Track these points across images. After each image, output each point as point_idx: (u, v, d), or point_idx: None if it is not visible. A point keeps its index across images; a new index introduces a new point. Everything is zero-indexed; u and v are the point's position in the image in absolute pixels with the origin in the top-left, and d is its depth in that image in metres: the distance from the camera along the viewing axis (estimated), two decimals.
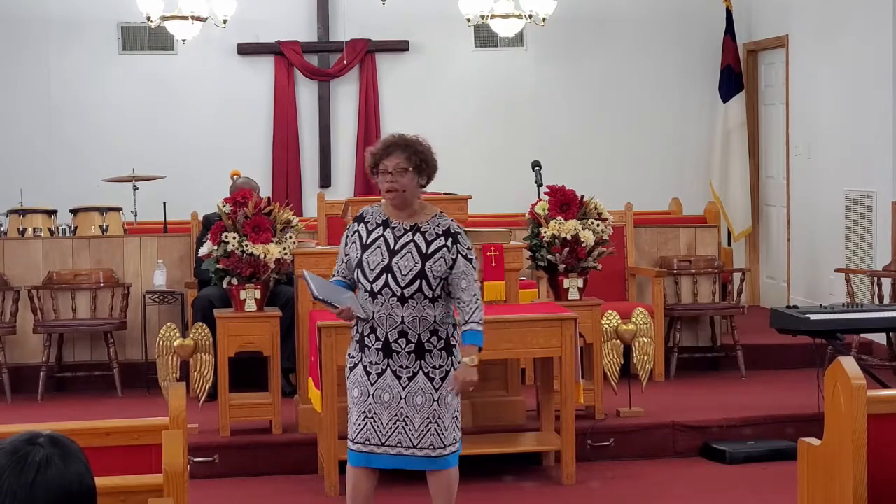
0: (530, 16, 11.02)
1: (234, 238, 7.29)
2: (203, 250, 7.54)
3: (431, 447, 5.20)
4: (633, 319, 7.78)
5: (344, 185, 11.91)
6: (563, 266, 7.64)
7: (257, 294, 7.37)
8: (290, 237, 7.42)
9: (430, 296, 5.13)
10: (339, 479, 6.63)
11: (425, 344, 5.16)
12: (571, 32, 11.92)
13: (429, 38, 11.94)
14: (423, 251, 5.14)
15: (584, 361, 7.58)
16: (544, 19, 10.99)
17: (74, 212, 9.67)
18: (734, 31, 11.62)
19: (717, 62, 11.76)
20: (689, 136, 12.15)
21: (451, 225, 5.23)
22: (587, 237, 7.62)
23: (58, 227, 9.60)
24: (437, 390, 5.18)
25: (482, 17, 11.03)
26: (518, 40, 11.82)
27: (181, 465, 3.70)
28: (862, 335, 9.04)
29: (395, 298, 5.11)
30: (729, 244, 11.49)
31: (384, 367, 5.16)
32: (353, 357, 5.24)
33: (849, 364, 4.28)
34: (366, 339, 5.18)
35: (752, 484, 6.89)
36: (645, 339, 7.75)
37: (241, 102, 11.81)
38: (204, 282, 8.40)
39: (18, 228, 9.45)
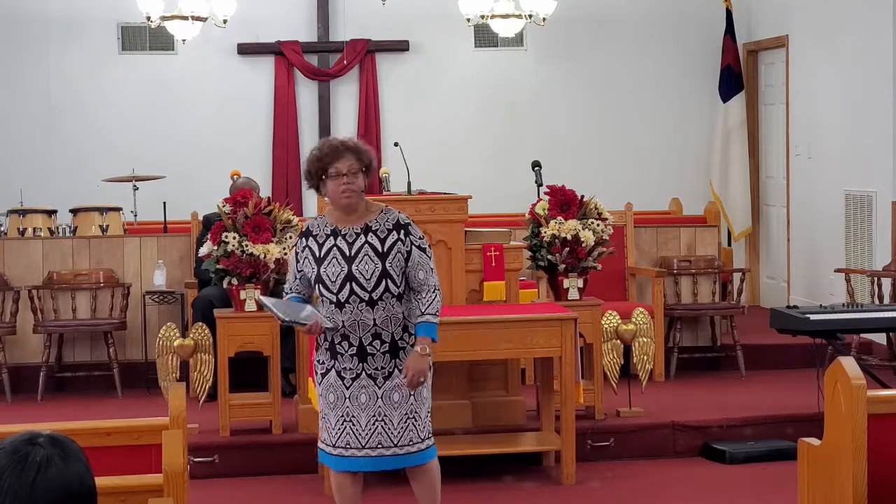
0: (530, 16, 11.02)
1: (234, 238, 7.29)
2: (203, 250, 7.54)
3: (411, 443, 5.21)
4: (633, 319, 7.78)
5: None
6: (563, 266, 7.63)
7: (257, 294, 7.37)
8: (290, 237, 7.42)
9: (397, 293, 5.15)
10: None
11: (398, 342, 5.18)
12: (571, 32, 11.92)
13: (429, 38, 11.94)
14: (380, 250, 5.14)
15: (584, 361, 7.58)
16: (544, 19, 10.99)
17: (74, 212, 9.67)
18: (734, 30, 11.62)
19: (717, 62, 11.76)
20: (689, 136, 12.15)
21: (400, 217, 5.23)
22: (587, 237, 7.61)
23: (58, 227, 9.60)
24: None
25: (482, 17, 11.03)
26: (518, 40, 11.82)
27: (181, 465, 3.70)
28: (862, 335, 9.03)
29: (364, 303, 5.11)
30: (729, 244, 11.49)
31: (359, 371, 5.16)
32: (323, 363, 5.22)
33: (849, 364, 4.28)
34: (338, 346, 5.17)
35: (752, 484, 6.89)
36: (645, 339, 7.75)
37: (241, 102, 11.81)
38: (204, 282, 8.40)
39: (18, 228, 9.45)
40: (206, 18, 10.72)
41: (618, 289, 9.35)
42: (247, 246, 7.29)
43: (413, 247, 5.17)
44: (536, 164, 9.19)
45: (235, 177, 9.10)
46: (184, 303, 9.00)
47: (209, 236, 7.45)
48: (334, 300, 5.12)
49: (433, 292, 5.18)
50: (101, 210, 9.62)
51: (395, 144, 8.13)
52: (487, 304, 7.33)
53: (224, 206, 7.44)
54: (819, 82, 10.55)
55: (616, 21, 12.05)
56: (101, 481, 2.76)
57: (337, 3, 11.90)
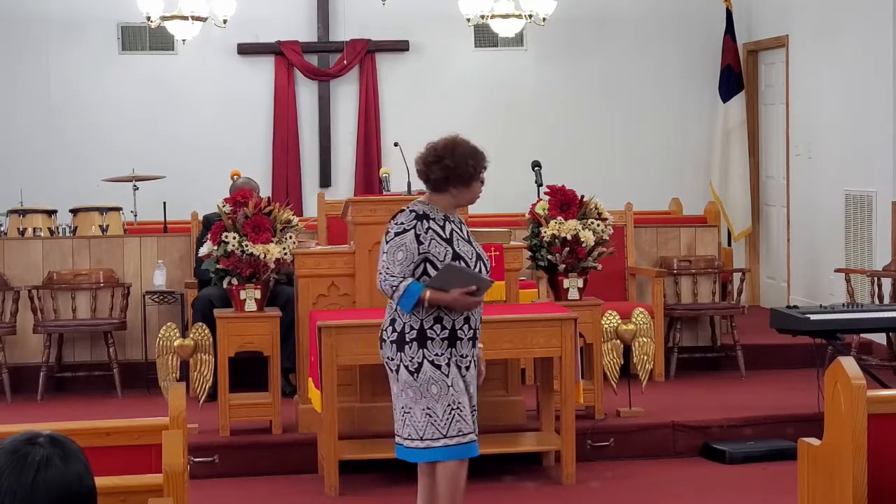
0: (530, 16, 11.02)
1: (234, 238, 7.29)
2: (203, 250, 7.54)
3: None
4: (633, 319, 7.78)
5: (344, 184, 11.91)
6: (563, 266, 7.63)
7: (257, 294, 7.37)
8: (290, 237, 7.42)
9: None
10: (340, 480, 6.63)
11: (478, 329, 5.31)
12: (571, 32, 11.92)
13: (429, 38, 11.94)
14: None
15: (584, 361, 7.58)
16: (544, 19, 10.99)
17: (74, 212, 9.67)
18: (734, 30, 11.62)
19: (717, 62, 11.76)
20: (689, 136, 12.15)
21: None
22: (587, 237, 7.61)
23: (58, 227, 9.60)
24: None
25: (482, 17, 11.03)
26: (518, 40, 11.82)
27: (181, 465, 3.70)
28: (862, 335, 9.03)
29: None
30: (729, 244, 11.49)
31: (471, 359, 5.24)
32: (443, 355, 5.17)
33: (849, 364, 4.28)
34: (458, 331, 5.19)
35: (752, 484, 6.89)
36: (645, 339, 7.75)
37: (241, 102, 11.81)
38: (204, 282, 8.40)
39: (18, 228, 9.45)
40: (206, 18, 10.73)
41: (618, 289, 9.35)
42: (247, 246, 7.29)
43: None
44: (536, 164, 9.19)
45: (235, 177, 9.10)
46: (184, 303, 9.00)
47: (209, 236, 7.45)
48: None
49: None
50: (101, 210, 9.62)
51: (395, 144, 8.13)
52: (487, 304, 7.31)
53: (224, 206, 7.44)
54: (819, 82, 10.55)
55: (616, 21, 12.05)
56: (100, 481, 2.76)
57: (337, 3, 11.90)
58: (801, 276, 10.86)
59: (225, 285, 7.40)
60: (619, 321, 7.76)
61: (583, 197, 7.77)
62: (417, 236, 5.18)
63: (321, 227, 9.13)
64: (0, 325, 8.79)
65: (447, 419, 5.17)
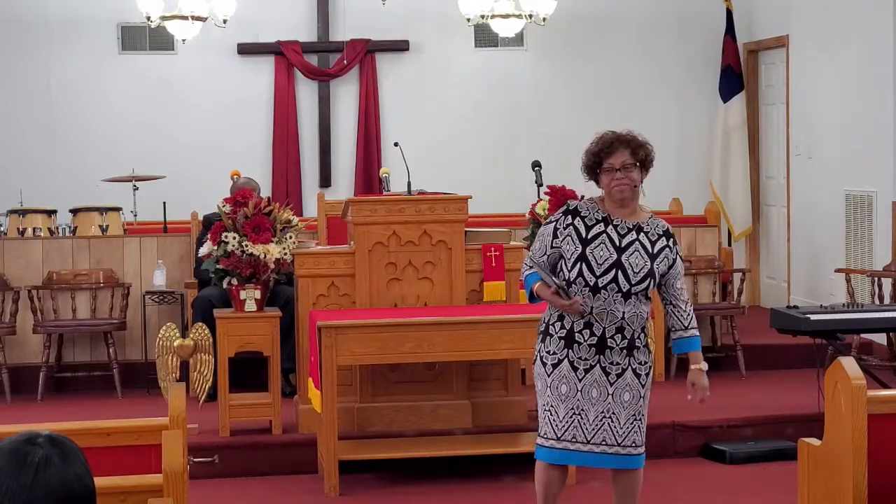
0: (530, 16, 11.02)
1: (234, 238, 7.29)
2: (203, 250, 7.53)
3: (633, 445, 5.23)
4: None
5: (344, 184, 11.91)
6: None
7: (257, 294, 7.37)
8: (290, 237, 7.42)
9: (648, 294, 5.17)
10: (340, 480, 6.63)
11: (636, 340, 5.16)
12: (571, 32, 11.92)
13: (429, 38, 11.94)
14: (650, 251, 5.17)
15: None
16: (544, 19, 10.99)
17: (74, 212, 9.66)
18: (734, 30, 11.62)
19: (717, 62, 11.76)
20: (690, 136, 12.14)
21: (668, 226, 5.32)
22: None
23: (57, 227, 9.59)
24: (643, 387, 5.21)
25: (482, 17, 11.03)
26: (518, 40, 11.81)
27: (181, 466, 3.70)
28: (862, 335, 9.03)
29: (620, 294, 5.08)
30: (729, 244, 11.49)
31: (594, 363, 5.12)
32: (554, 353, 5.13)
33: (849, 364, 4.29)
34: (577, 335, 5.10)
35: (752, 484, 6.88)
36: None
37: (241, 102, 11.81)
38: (204, 282, 8.40)
39: (18, 228, 9.45)
40: (205, 18, 10.72)
41: None
42: (247, 246, 7.28)
43: (678, 257, 5.25)
44: (536, 164, 9.18)
45: (235, 177, 9.10)
46: (183, 303, 8.99)
47: (209, 236, 7.45)
48: (592, 283, 5.07)
49: (690, 306, 5.27)
50: (101, 210, 9.62)
51: (395, 144, 8.13)
52: (487, 304, 7.32)
53: (224, 206, 7.43)
54: (819, 82, 10.55)
55: (616, 21, 12.04)
56: (100, 481, 2.76)
57: (337, 3, 11.89)
58: (802, 277, 10.86)
59: (225, 285, 7.40)
60: None
61: (583, 197, 7.75)
62: (556, 230, 5.16)
63: (321, 227, 9.13)
64: (0, 325, 8.78)
65: (541, 418, 5.18)
